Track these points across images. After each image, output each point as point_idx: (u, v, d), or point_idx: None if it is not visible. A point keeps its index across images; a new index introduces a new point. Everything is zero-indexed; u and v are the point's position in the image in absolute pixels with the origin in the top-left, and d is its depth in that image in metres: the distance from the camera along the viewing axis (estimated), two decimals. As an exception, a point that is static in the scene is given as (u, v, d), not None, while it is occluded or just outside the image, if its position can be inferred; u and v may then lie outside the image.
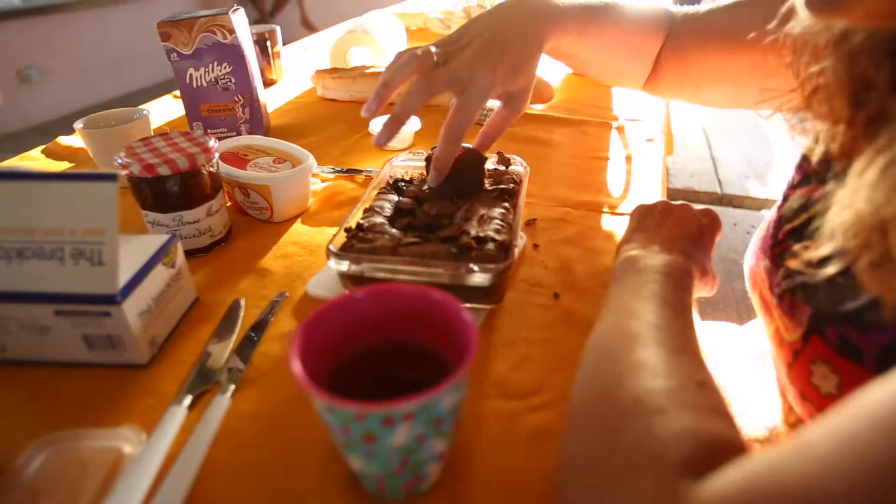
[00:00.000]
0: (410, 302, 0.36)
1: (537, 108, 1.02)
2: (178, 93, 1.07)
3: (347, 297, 0.35)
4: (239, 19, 0.86)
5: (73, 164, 0.88)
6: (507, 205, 0.57)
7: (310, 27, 5.47)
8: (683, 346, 0.36)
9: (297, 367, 0.30)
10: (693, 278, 0.46)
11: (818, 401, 0.35)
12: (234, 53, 0.86)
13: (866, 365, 0.31)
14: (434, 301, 0.35)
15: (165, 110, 1.12)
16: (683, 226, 0.52)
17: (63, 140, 0.95)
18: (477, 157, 0.61)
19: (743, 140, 3.26)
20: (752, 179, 2.79)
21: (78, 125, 0.76)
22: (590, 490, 0.29)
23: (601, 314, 0.42)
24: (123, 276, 0.46)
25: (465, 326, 0.33)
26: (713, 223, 0.55)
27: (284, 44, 1.38)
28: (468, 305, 0.50)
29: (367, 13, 1.33)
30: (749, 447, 0.29)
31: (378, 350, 0.37)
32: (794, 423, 0.44)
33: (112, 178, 0.44)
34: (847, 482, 0.20)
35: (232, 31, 0.84)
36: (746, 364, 0.59)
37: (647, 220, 0.55)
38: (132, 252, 0.49)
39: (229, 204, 0.72)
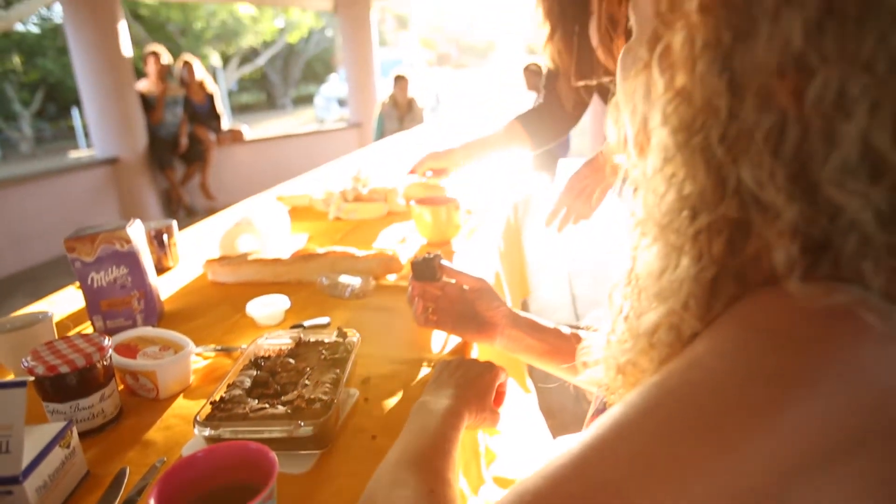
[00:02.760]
0: (237, 453, 0.53)
1: (390, 279, 1.26)
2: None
3: (192, 456, 0.52)
4: (135, 230, 1.06)
5: (-22, 363, 1.00)
6: (337, 370, 0.77)
7: (208, 195, 5.80)
8: (430, 466, 0.56)
9: (151, 507, 0.47)
10: (463, 419, 0.67)
11: None
12: (130, 259, 1.05)
13: None
14: (251, 450, 0.52)
15: (69, 301, 1.26)
16: (466, 376, 0.74)
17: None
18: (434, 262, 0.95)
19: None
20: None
21: (-15, 331, 0.90)
22: None
23: (391, 450, 0.61)
24: (25, 459, 0.60)
25: (269, 464, 0.50)
26: (493, 372, 0.77)
27: (190, 214, 1.58)
28: (303, 452, 0.68)
29: (252, 198, 1.58)
30: None
31: (227, 491, 0.53)
32: None
33: (21, 384, 0.60)
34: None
35: (129, 242, 1.04)
36: None
37: (443, 374, 0.76)
38: (34, 439, 0.63)
39: (122, 387, 0.87)
